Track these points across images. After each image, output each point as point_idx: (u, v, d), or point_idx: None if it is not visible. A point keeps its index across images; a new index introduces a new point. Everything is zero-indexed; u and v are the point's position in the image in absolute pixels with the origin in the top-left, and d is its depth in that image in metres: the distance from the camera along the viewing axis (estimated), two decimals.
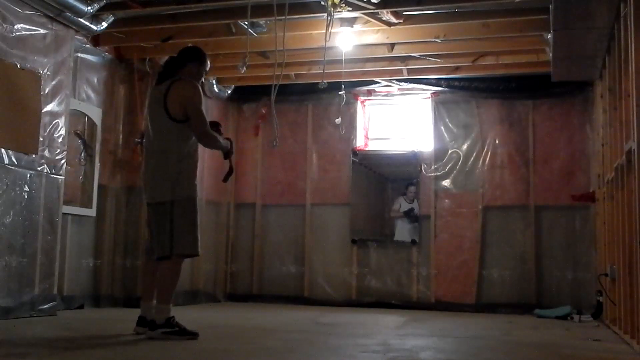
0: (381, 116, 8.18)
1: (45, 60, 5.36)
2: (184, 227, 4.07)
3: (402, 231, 8.42)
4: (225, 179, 4.67)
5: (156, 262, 4.15)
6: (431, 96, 7.83)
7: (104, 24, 5.76)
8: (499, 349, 4.24)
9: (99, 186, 6.37)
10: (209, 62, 4.41)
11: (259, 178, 8.29)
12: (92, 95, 6.36)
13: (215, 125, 4.39)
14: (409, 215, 8.16)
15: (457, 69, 7.20)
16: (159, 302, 4.05)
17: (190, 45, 4.71)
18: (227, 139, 4.49)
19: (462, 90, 7.68)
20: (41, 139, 5.27)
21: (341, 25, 5.97)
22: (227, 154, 4.45)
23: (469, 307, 7.34)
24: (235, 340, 4.27)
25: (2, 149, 4.90)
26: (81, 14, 5.41)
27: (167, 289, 4.08)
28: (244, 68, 5.37)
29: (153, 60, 6.76)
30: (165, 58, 4.55)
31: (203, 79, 4.42)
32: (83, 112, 6.24)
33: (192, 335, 4.04)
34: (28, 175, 5.14)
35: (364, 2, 5.32)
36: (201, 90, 4.24)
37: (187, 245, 4.09)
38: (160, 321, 4.00)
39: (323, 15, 5.38)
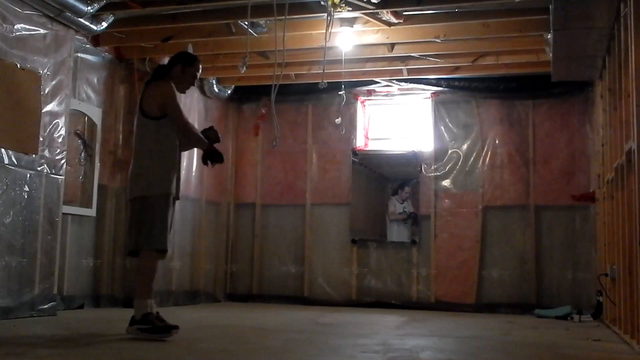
0: (381, 116, 8.18)
1: (45, 60, 5.36)
2: (153, 222, 4.10)
3: (397, 233, 8.43)
4: (212, 160, 4.43)
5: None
6: (431, 96, 7.83)
7: (104, 24, 5.76)
8: (499, 349, 4.24)
9: (99, 186, 6.37)
10: (198, 64, 4.42)
11: (259, 178, 8.29)
12: (92, 95, 6.35)
13: (210, 130, 4.45)
14: (413, 218, 8.14)
15: (457, 69, 7.20)
16: (136, 298, 4.08)
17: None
18: (209, 129, 4.46)
19: (462, 90, 7.68)
20: (41, 139, 5.27)
21: (341, 25, 5.97)
22: (209, 151, 4.39)
23: (469, 307, 7.34)
24: (235, 340, 4.27)
25: (2, 149, 4.90)
26: (81, 14, 5.41)
27: (142, 285, 4.10)
28: (244, 68, 5.37)
29: (153, 60, 6.76)
30: (165, 59, 4.59)
31: (197, 75, 4.43)
32: (83, 112, 6.24)
33: (164, 334, 3.95)
34: (28, 175, 5.14)
35: (364, 2, 5.32)
36: (174, 89, 4.27)
37: (154, 239, 4.10)
38: (138, 317, 4.00)
39: (323, 15, 5.38)
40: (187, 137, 4.33)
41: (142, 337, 3.92)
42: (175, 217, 4.34)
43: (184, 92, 4.49)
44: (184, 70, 4.33)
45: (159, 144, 4.19)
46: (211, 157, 4.39)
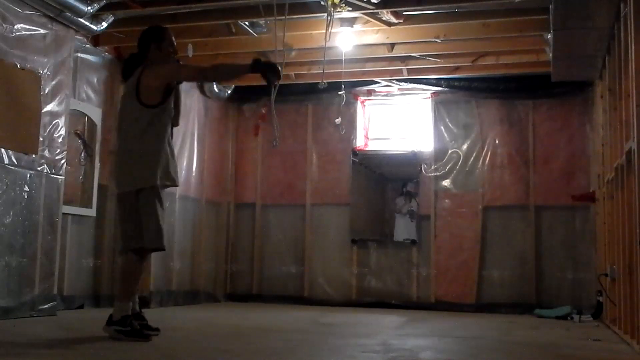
0: (381, 116, 8.18)
1: (45, 60, 5.36)
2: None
3: (401, 230, 8.48)
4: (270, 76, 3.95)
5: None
6: (431, 96, 7.83)
7: (104, 24, 5.76)
8: (499, 349, 4.24)
9: (99, 186, 6.37)
10: (168, 32, 4.15)
11: (259, 178, 8.29)
12: (92, 95, 6.35)
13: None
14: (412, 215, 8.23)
15: (457, 69, 7.21)
16: (116, 299, 4.04)
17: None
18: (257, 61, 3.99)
19: (462, 90, 7.68)
20: (41, 139, 5.27)
21: (341, 25, 5.97)
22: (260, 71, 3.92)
23: (469, 307, 7.34)
24: (235, 340, 4.27)
25: (2, 149, 4.90)
26: (81, 14, 5.41)
27: (120, 287, 4.10)
28: None
29: None
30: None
31: (174, 42, 4.16)
32: (83, 112, 6.24)
33: (142, 338, 3.86)
34: (28, 175, 5.14)
35: (364, 2, 5.32)
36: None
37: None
38: (116, 317, 3.95)
39: (323, 15, 5.38)
40: (213, 79, 4.18)
41: (117, 338, 3.85)
42: (143, 212, 3.98)
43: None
44: (160, 47, 4.07)
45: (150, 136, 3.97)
46: (269, 71, 3.92)
